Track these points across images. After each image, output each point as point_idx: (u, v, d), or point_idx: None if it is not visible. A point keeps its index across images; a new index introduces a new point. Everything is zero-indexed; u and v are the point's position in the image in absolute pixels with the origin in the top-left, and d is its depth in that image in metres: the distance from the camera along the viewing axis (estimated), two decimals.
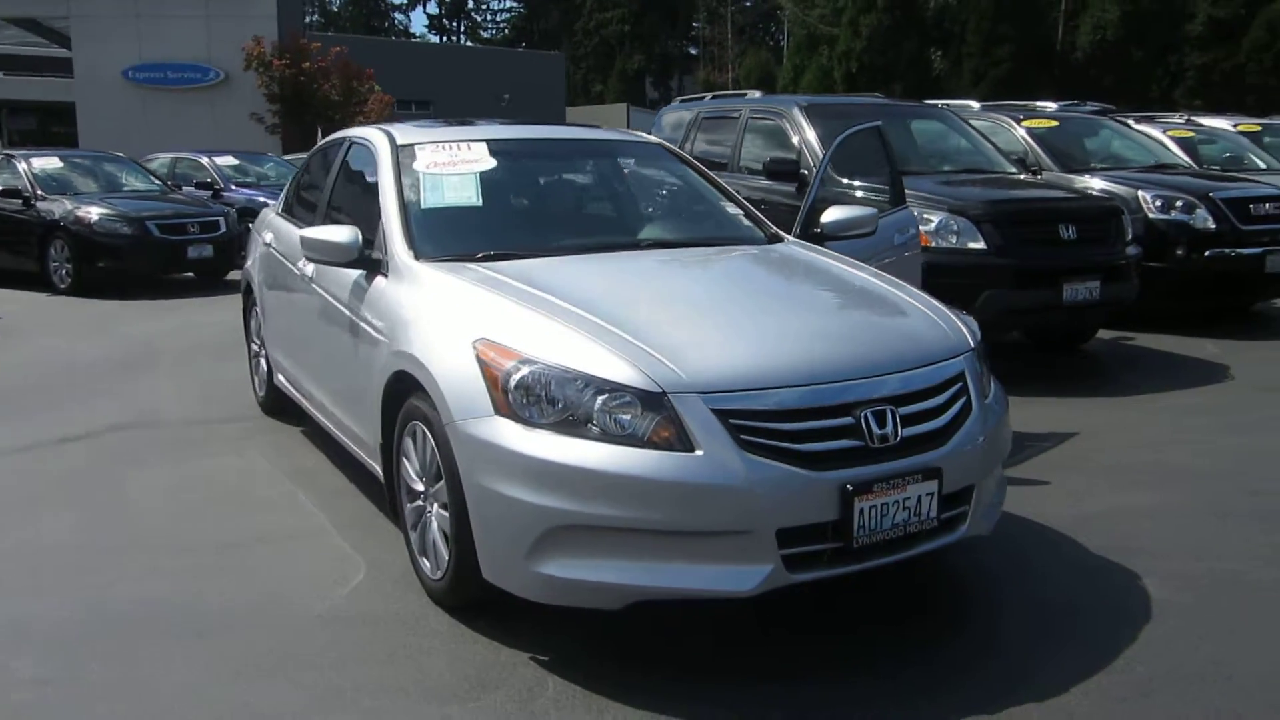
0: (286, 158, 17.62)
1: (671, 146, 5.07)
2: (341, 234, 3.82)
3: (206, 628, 3.21)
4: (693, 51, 74.64)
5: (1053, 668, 2.92)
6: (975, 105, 10.33)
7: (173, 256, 11.14)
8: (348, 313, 3.94)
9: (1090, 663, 2.93)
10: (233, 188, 14.00)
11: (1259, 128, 13.05)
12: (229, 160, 14.91)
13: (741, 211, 4.54)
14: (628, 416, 2.79)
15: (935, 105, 9.34)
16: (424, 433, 3.25)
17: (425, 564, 3.39)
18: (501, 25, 78.95)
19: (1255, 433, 5.31)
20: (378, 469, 3.80)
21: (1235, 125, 12.91)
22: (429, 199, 4.00)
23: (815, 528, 2.80)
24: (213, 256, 11.31)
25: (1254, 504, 4.22)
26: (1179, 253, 7.94)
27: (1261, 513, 4.12)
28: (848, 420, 2.86)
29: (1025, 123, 9.26)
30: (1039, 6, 49.45)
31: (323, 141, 5.45)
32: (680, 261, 3.92)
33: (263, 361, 5.74)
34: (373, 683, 2.86)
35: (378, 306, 3.68)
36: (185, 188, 13.28)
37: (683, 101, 9.49)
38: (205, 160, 14.62)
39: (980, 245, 6.31)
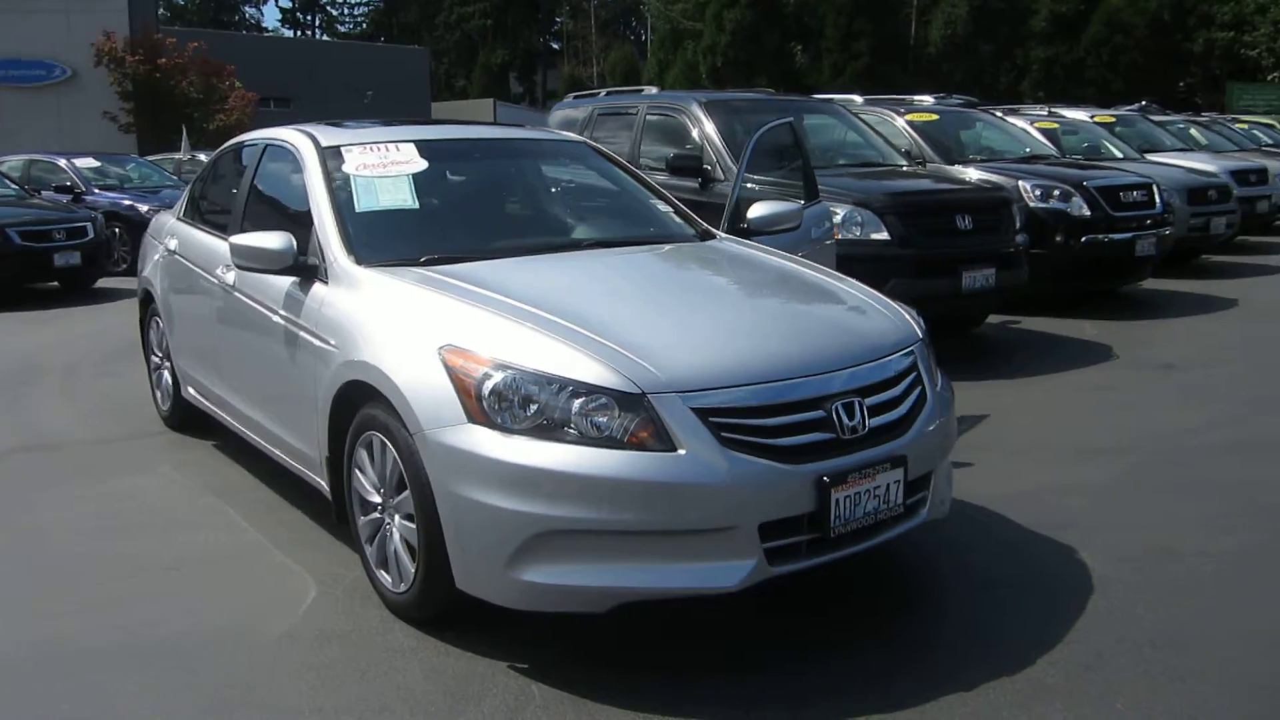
0: (150, 159, 16.74)
1: (597, 145, 5.05)
2: (274, 240, 3.68)
3: (170, 656, 3.06)
4: (555, 46, 74.47)
5: (1011, 641, 3.06)
6: (859, 99, 10.64)
7: (38, 265, 10.48)
8: (281, 321, 3.80)
9: (1047, 635, 3.07)
10: (95, 191, 13.24)
11: (1113, 119, 13.85)
12: (89, 162, 14.08)
13: (671, 209, 4.56)
14: (605, 418, 2.78)
15: (824, 100, 9.57)
16: (383, 443, 3.16)
17: (385, 577, 3.30)
18: (359, 19, 77.11)
19: (1149, 407, 5.65)
20: (321, 482, 3.69)
21: (1092, 116, 13.68)
22: (363, 202, 3.88)
23: (792, 520, 2.85)
24: (81, 264, 10.69)
25: (1168, 476, 4.50)
26: (1058, 239, 8.37)
27: (1177, 484, 4.39)
28: (819, 414, 2.92)
29: (907, 116, 9.59)
30: (892, 3, 51.27)
31: (229, 144, 5.23)
32: (626, 261, 3.92)
33: (166, 374, 5.48)
34: (355, 702, 2.78)
35: (319, 315, 3.56)
36: (44, 192, 12.51)
37: (576, 98, 9.45)
38: (63, 162, 13.78)
39: (884, 236, 6.51)
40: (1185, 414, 5.53)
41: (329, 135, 4.26)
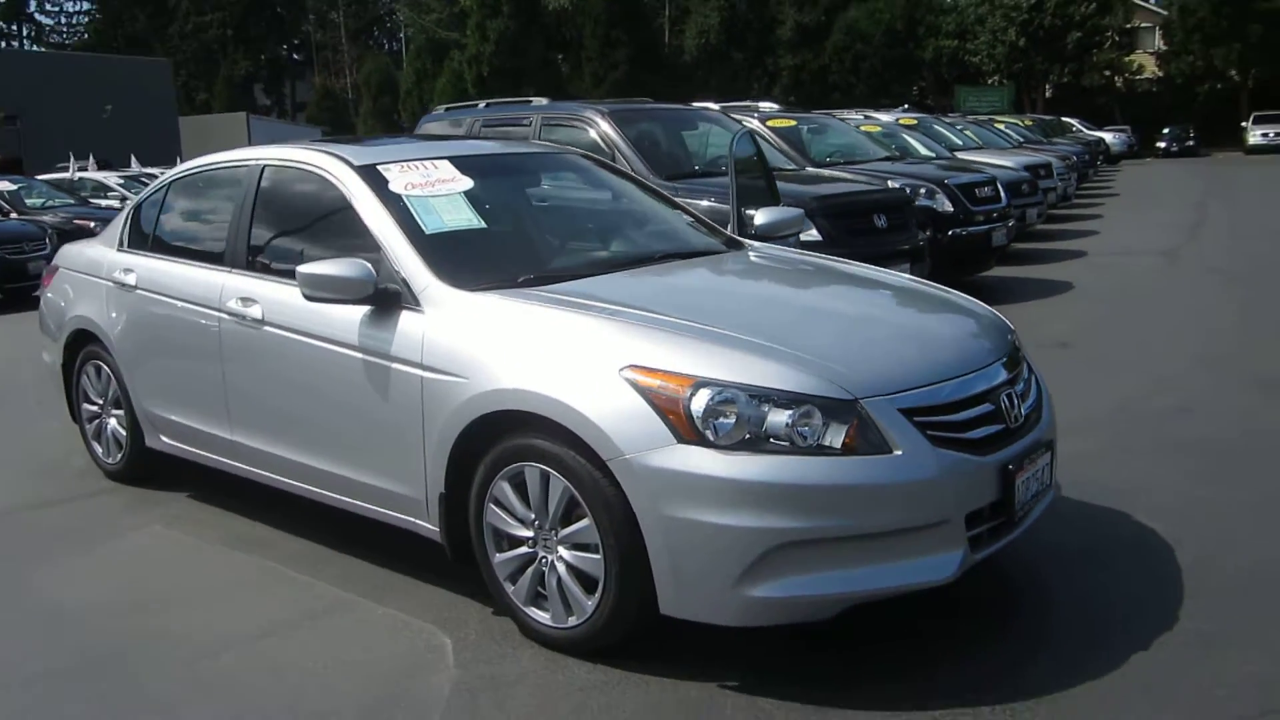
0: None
1: (602, 160, 4.98)
2: (351, 268, 3.41)
3: None
4: (297, 58, 71.48)
5: (1101, 611, 3.28)
6: (715, 107, 10.95)
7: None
8: (357, 355, 3.51)
9: (1156, 606, 3.33)
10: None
11: (915, 121, 14.96)
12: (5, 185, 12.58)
13: (691, 218, 4.58)
14: (818, 426, 2.79)
15: (702, 108, 9.79)
16: (543, 473, 3.02)
17: (540, 614, 3.15)
18: (77, 29, 70.89)
19: (1080, 383, 6.16)
20: (422, 524, 3.45)
21: (898, 120, 14.72)
22: (428, 224, 3.66)
23: (983, 508, 2.97)
24: None
25: (1156, 439, 4.97)
26: (927, 233, 8.97)
27: (1172, 445, 4.85)
28: (990, 406, 3.06)
29: (770, 122, 9.99)
30: (645, 12, 52.79)
31: (189, 168, 4.73)
32: (712, 272, 3.91)
33: (112, 423, 4.91)
34: None
35: (423, 345, 3.31)
36: None
37: (448, 110, 9.18)
38: None
39: (815, 237, 6.77)
40: (1116, 386, 6.10)
41: (356, 154, 3.99)
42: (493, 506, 3.20)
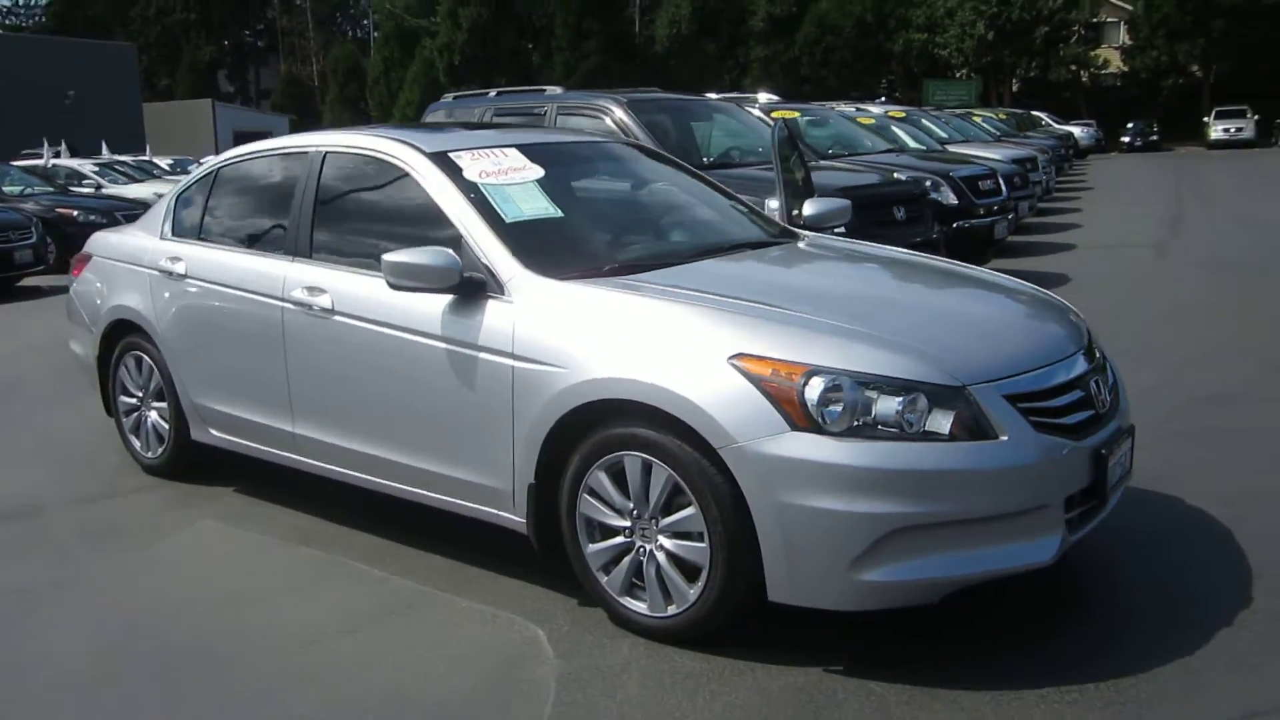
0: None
1: (656, 150, 4.99)
2: (437, 256, 3.40)
3: None
4: (260, 44, 70.54)
5: (1179, 590, 3.37)
6: (714, 96, 10.98)
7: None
8: (440, 345, 3.49)
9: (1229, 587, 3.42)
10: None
11: (903, 114, 15.09)
12: None
13: (745, 209, 4.60)
14: (925, 413, 2.83)
15: (723, 99, 9.81)
16: (645, 462, 3.04)
17: (635, 604, 3.17)
18: (35, 11, 69.48)
19: None
20: (506, 515, 3.45)
21: (886, 113, 14.82)
22: (508, 212, 3.65)
23: (1077, 491, 3.03)
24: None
25: (1190, 427, 5.07)
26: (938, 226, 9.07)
27: (1192, 432, 4.96)
28: (1081, 393, 3.12)
29: (775, 114, 10.01)
30: (616, 2, 52.69)
31: (240, 154, 4.67)
32: (786, 260, 3.94)
33: (153, 416, 4.86)
34: None
35: (514, 334, 3.30)
36: None
37: (456, 99, 9.13)
38: None
39: (839, 229, 6.81)
40: (1138, 375, 6.20)
41: (426, 140, 3.97)
42: (587, 497, 3.21)
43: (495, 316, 3.39)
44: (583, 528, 3.26)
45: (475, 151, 3.92)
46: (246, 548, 4.11)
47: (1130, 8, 47.46)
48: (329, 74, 56.27)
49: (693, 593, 3.03)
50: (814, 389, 2.82)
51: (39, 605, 3.65)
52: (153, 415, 4.89)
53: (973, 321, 3.33)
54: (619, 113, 7.47)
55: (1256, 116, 40.38)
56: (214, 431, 4.56)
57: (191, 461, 4.82)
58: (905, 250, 4.23)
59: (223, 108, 49.94)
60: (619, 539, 3.19)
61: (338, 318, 3.85)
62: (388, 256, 3.44)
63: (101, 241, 5.30)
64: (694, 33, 50.35)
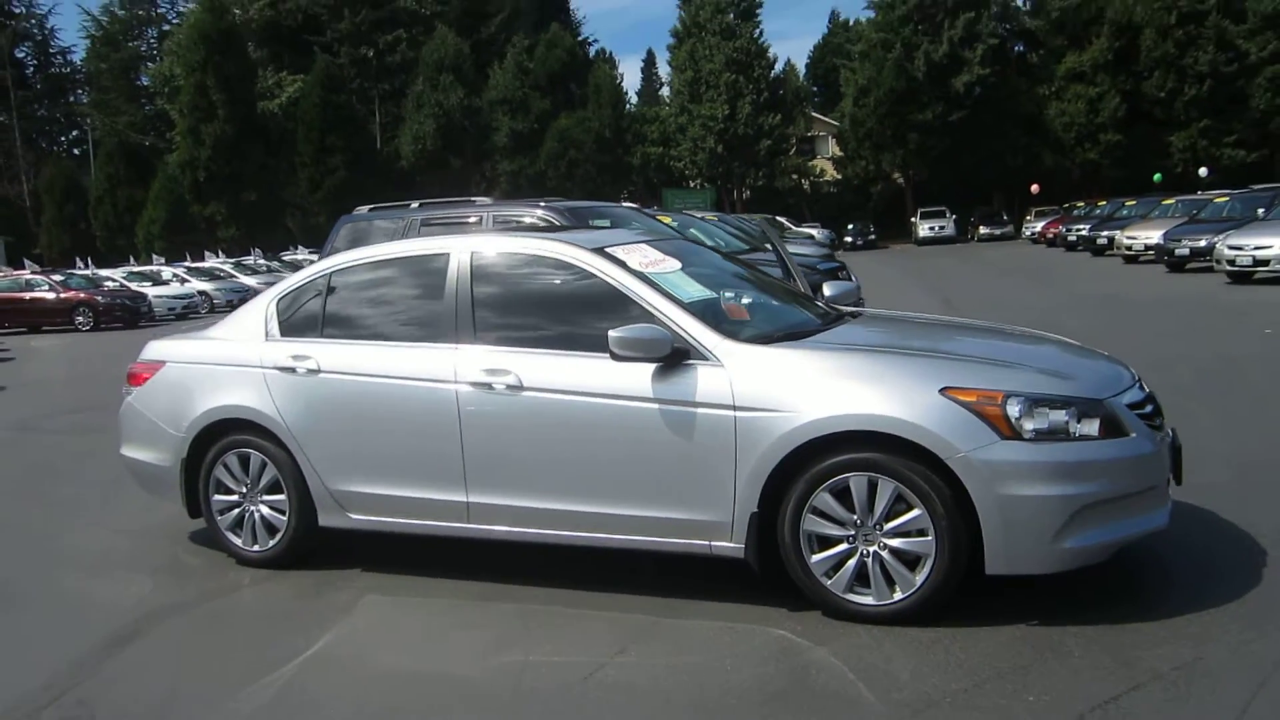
0: None
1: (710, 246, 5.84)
2: (655, 331, 4.11)
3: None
4: None
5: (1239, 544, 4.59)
6: (631, 206, 11.96)
7: None
8: (654, 406, 4.13)
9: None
10: None
11: (716, 218, 16.69)
12: None
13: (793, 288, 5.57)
14: (1080, 419, 3.85)
15: (632, 208, 10.77)
16: (870, 481, 3.86)
17: (860, 598, 3.95)
18: None
19: None
20: (723, 544, 4.12)
21: (703, 216, 16.37)
22: (681, 294, 4.42)
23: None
24: None
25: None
26: None
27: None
28: (1151, 407, 4.27)
29: (660, 218, 11.14)
30: (358, 119, 53.01)
31: (353, 261, 5.05)
32: (912, 324, 5.00)
33: (262, 510, 5.05)
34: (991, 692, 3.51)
35: (730, 390, 4.02)
36: None
37: (372, 210, 9.46)
38: None
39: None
40: None
41: (584, 240, 4.68)
42: (812, 515, 3.97)
43: (709, 377, 4.11)
44: (805, 542, 4.00)
45: (625, 247, 4.66)
46: (436, 612, 4.46)
47: (837, 125, 53.54)
48: (42, 194, 52.44)
49: (919, 578, 3.85)
50: (1013, 408, 3.78)
51: (316, 668, 3.91)
52: (263, 509, 5.07)
53: (1066, 358, 4.43)
54: (553, 220, 8.24)
55: (954, 216, 46.56)
56: (353, 515, 4.85)
57: (305, 552, 5.05)
58: (939, 316, 5.34)
59: None
60: (841, 546, 3.96)
61: (526, 393, 4.40)
62: (614, 333, 4.10)
63: (173, 350, 5.43)
64: (439, 148, 51.42)
